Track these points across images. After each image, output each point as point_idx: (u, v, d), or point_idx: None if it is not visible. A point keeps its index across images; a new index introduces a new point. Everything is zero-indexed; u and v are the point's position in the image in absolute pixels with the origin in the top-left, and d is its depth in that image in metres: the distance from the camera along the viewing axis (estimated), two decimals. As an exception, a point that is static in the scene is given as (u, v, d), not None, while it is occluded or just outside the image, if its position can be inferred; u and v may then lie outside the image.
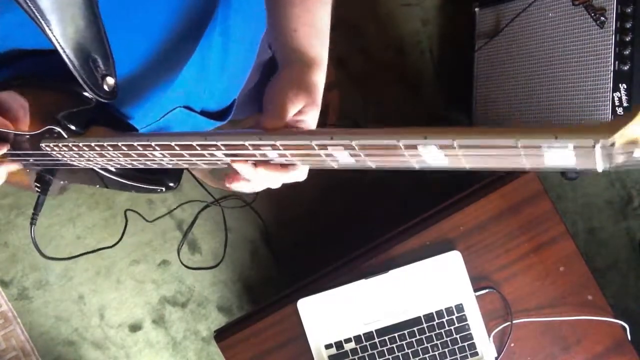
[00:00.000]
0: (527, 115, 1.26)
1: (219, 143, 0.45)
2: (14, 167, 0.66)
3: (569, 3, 1.16)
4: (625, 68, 1.09)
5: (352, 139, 0.39)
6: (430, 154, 0.36)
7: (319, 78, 0.59)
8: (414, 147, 0.36)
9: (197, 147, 0.46)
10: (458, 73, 1.46)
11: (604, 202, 1.53)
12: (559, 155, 0.31)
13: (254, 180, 0.51)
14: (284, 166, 0.50)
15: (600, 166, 0.30)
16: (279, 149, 0.44)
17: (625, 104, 1.09)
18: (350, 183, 1.52)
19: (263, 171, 0.48)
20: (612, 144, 0.28)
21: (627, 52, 1.09)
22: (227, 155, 0.47)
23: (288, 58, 0.59)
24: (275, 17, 0.61)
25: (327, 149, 0.41)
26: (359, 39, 1.53)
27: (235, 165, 0.48)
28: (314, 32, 0.59)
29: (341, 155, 0.41)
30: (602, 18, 1.11)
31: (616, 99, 1.10)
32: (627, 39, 1.09)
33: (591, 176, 1.53)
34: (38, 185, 0.68)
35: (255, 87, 0.81)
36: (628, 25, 1.08)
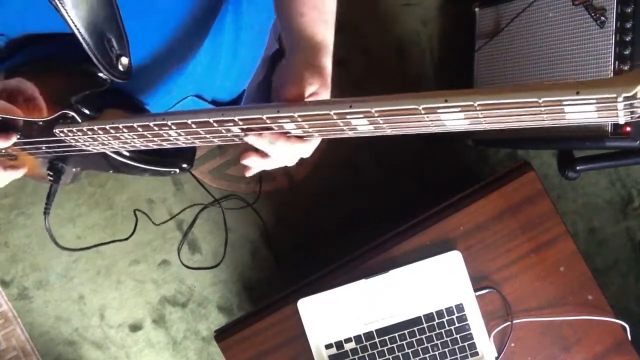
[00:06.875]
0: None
1: (236, 118, 0.44)
2: (21, 172, 0.65)
3: (569, 3, 1.16)
4: (625, 68, 1.09)
5: (372, 106, 0.38)
6: (451, 116, 0.36)
7: (328, 62, 0.58)
8: (435, 110, 0.36)
9: (214, 124, 0.45)
10: (458, 73, 1.46)
11: (604, 202, 1.53)
12: (580, 110, 0.31)
13: (272, 153, 0.50)
14: (299, 138, 0.49)
15: (622, 118, 0.30)
16: (297, 121, 0.43)
17: (625, 104, 1.09)
18: (350, 183, 1.52)
19: (282, 143, 0.48)
20: (635, 95, 0.28)
21: (627, 52, 1.09)
22: (243, 130, 0.46)
23: (297, 43, 0.58)
24: (283, 1, 0.60)
25: (346, 118, 0.41)
26: (359, 40, 1.53)
27: (249, 139, 0.47)
28: (321, 16, 0.59)
29: (360, 122, 0.41)
30: (602, 18, 1.11)
31: (616, 99, 1.10)
32: (627, 39, 1.09)
33: (591, 176, 1.53)
34: (51, 173, 0.68)
35: (261, 83, 0.81)
36: (628, 25, 1.08)
